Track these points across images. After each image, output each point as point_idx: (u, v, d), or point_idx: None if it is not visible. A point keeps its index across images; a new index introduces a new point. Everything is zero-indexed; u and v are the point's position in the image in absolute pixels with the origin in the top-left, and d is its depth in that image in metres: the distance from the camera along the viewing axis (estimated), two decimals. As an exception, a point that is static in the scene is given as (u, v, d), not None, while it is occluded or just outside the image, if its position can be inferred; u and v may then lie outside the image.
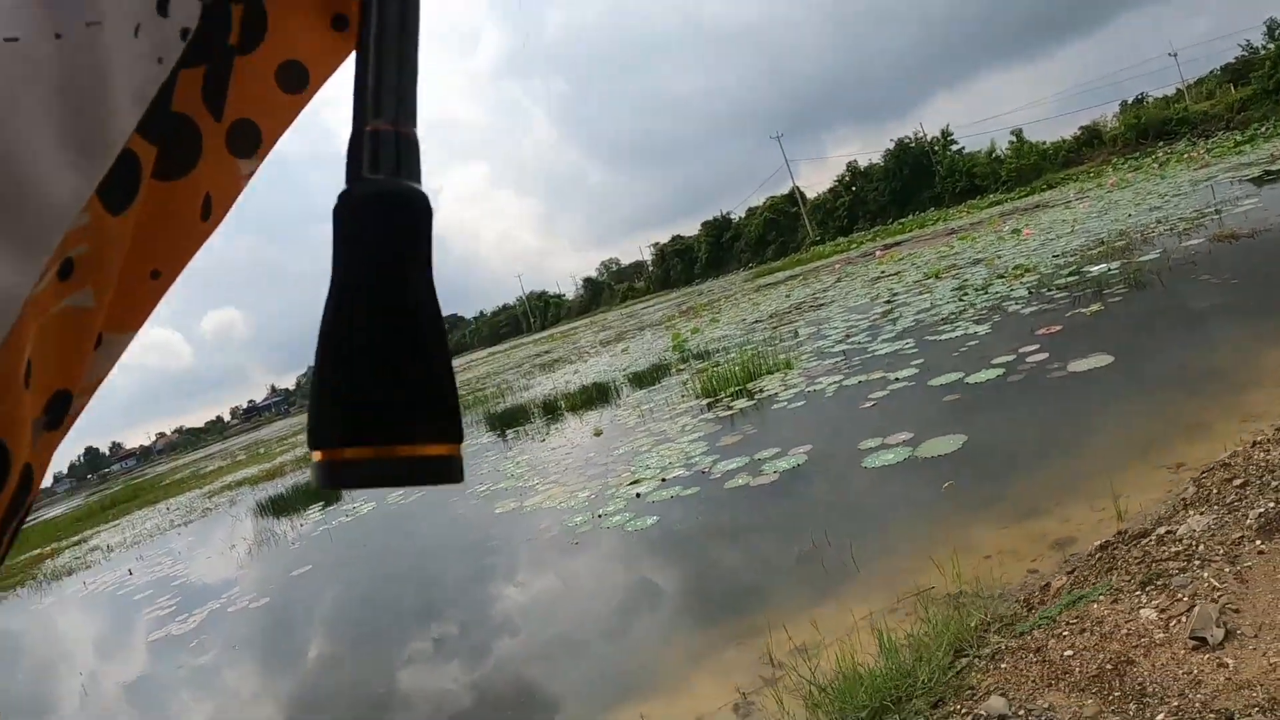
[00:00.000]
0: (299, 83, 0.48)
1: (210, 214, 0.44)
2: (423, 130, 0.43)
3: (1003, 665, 2.87)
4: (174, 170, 0.41)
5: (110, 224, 0.35)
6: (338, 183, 0.41)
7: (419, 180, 0.42)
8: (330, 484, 0.38)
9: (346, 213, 0.40)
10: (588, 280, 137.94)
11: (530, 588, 6.36)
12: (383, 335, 0.38)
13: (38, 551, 26.16)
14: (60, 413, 0.37)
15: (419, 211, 0.41)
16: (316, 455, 0.38)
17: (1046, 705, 2.57)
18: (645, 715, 3.75)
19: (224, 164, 0.44)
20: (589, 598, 5.64)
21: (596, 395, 15.23)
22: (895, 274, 20.47)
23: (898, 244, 37.32)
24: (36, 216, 0.31)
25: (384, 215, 0.40)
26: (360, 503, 12.42)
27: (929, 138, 69.51)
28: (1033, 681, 2.71)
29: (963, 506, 4.82)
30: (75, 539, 26.30)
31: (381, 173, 0.40)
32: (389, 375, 0.38)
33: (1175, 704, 2.38)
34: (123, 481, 76.83)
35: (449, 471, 0.40)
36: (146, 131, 0.37)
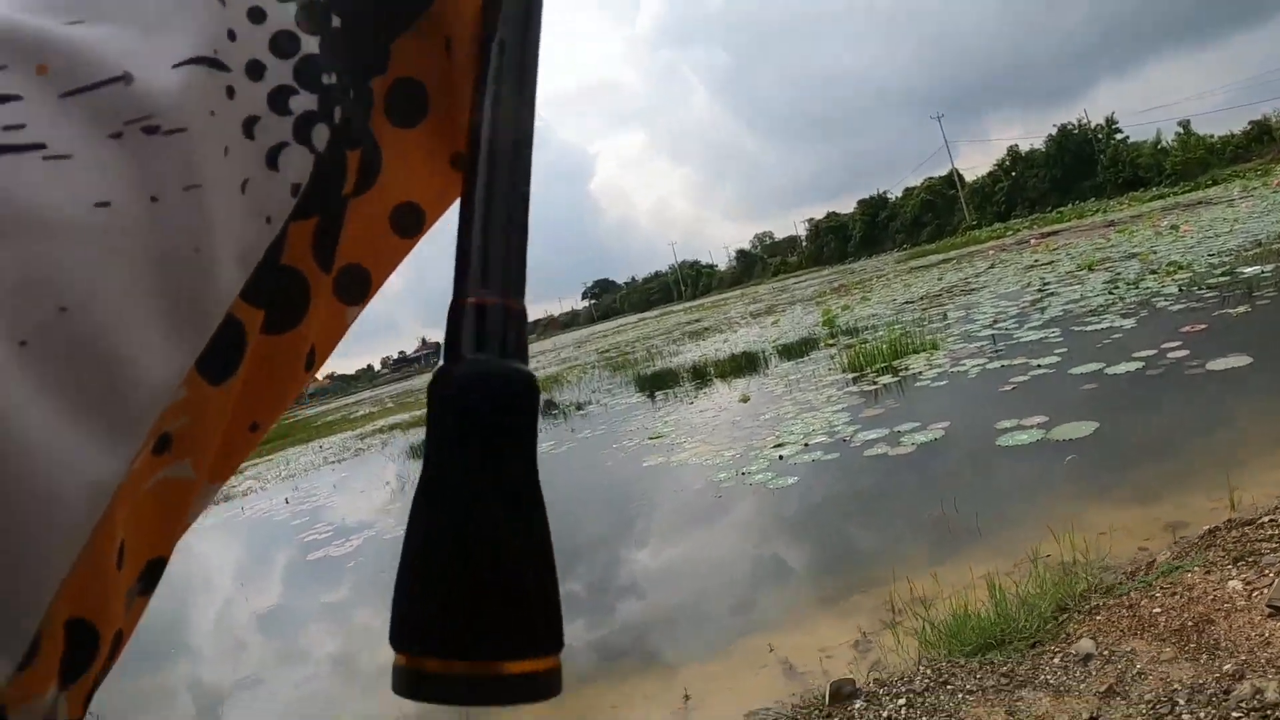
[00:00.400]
0: (414, 225, 0.46)
1: (313, 363, 0.42)
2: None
3: (1097, 617, 3.32)
4: (280, 326, 0.38)
5: (211, 395, 0.33)
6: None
7: (526, 360, 0.39)
8: (410, 694, 0.34)
9: (444, 395, 0.36)
10: (740, 252, 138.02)
11: (674, 532, 7.08)
12: (476, 540, 0.35)
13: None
14: (154, 578, 0.34)
15: (526, 398, 0.38)
16: (399, 658, 0.35)
17: (1130, 649, 3.02)
18: (774, 645, 4.29)
19: (332, 313, 0.42)
20: (729, 543, 6.27)
21: (745, 364, 15.76)
22: (1049, 263, 20.17)
23: (1054, 233, 36.20)
24: (130, 399, 0.29)
25: (488, 402, 0.37)
26: (508, 452, 13.15)
27: (1093, 125, 66.67)
28: (1121, 630, 3.16)
29: (1086, 487, 5.18)
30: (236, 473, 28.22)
31: (486, 353, 0.37)
32: (482, 585, 0.35)
33: (1243, 658, 2.80)
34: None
35: (546, 687, 0.36)
36: (252, 295, 0.35)
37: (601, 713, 4.24)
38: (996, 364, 9.13)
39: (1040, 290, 15.05)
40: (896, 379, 10.04)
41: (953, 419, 7.43)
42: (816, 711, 3.38)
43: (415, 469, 14.12)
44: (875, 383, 10.17)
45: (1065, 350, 8.80)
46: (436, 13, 0.41)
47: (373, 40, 0.40)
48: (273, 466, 24.51)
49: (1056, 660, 3.16)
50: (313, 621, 7.62)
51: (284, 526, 12.67)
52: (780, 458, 7.76)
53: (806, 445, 7.93)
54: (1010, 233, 51.41)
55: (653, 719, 3.96)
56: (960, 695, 3.15)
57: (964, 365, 9.61)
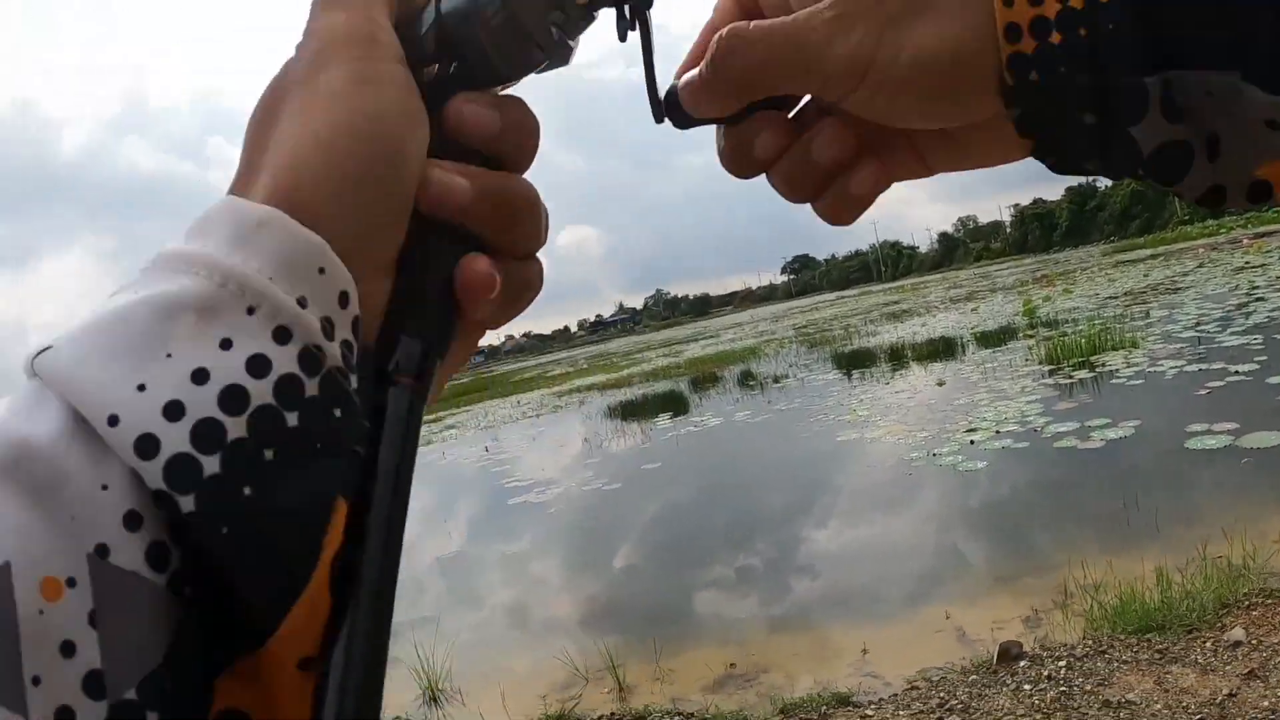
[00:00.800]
0: None
1: None
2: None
3: (1254, 613, 3.66)
4: None
5: None
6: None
7: None
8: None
9: None
10: (942, 235, 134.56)
11: (864, 503, 7.63)
12: None
13: None
14: None
15: None
16: None
17: (1277, 642, 3.36)
18: (949, 614, 4.77)
19: None
20: (915, 519, 6.79)
21: (942, 349, 15.93)
22: (1260, 266, 19.05)
23: (1269, 234, 33.70)
24: None
25: None
26: (708, 416, 14.08)
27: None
28: (1273, 625, 3.50)
29: (1266, 495, 5.33)
30: (429, 418, 30.05)
31: None
32: None
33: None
34: (470, 374, 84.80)
35: None
36: None
37: (787, 658, 4.82)
38: (1194, 367, 9.03)
39: (1248, 294, 14.41)
40: (1092, 374, 10.03)
41: (1144, 418, 7.52)
42: (984, 669, 3.86)
43: (611, 429, 15.41)
44: (1071, 376, 10.20)
45: (1265, 358, 8.64)
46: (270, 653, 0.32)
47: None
48: (471, 417, 26.07)
49: (1209, 645, 3.55)
50: (515, 560, 8.48)
51: (484, 473, 13.78)
52: (971, 442, 8.07)
53: (998, 432, 8.20)
54: (1223, 231, 47.96)
55: (832, 666, 4.50)
56: (1116, 664, 3.59)
57: (1161, 366, 9.52)
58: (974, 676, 3.89)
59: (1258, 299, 13.57)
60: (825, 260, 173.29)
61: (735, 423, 12.96)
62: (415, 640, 5.63)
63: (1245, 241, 30.72)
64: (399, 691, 5.28)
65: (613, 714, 4.48)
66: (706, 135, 0.47)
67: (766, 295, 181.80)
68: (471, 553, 9.23)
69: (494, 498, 11.61)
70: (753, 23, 0.41)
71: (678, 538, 7.97)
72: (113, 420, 0.30)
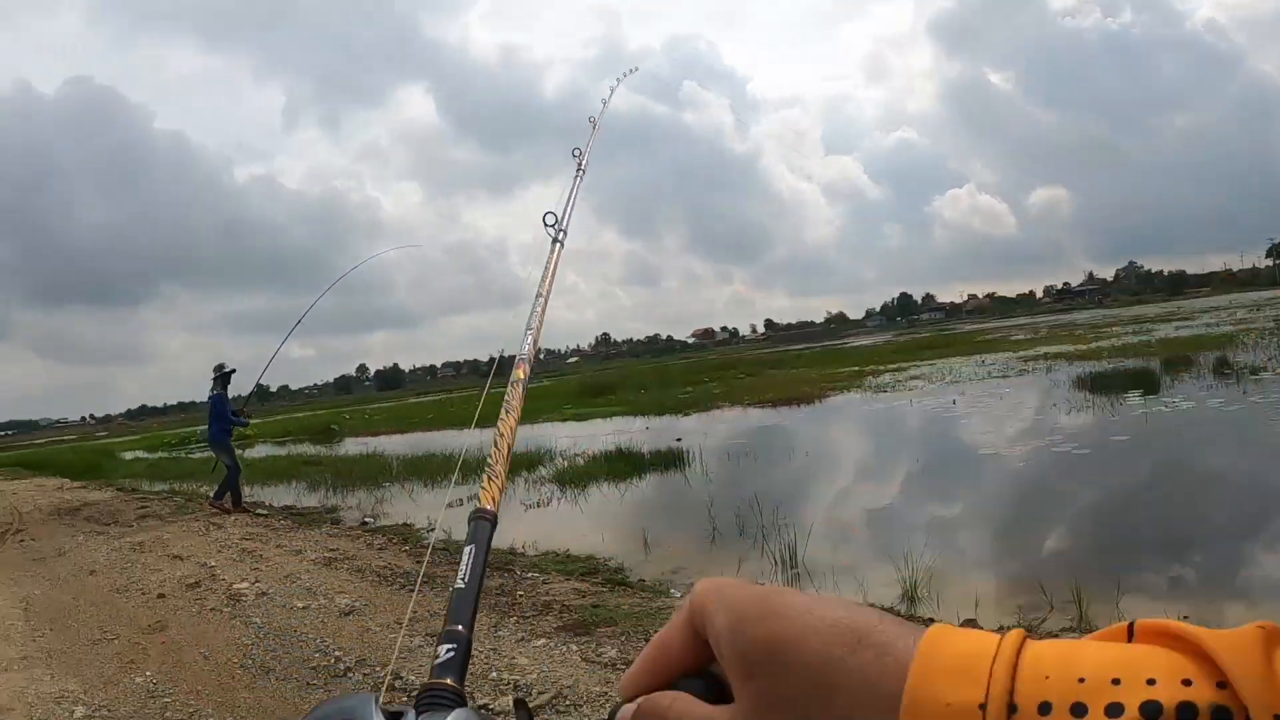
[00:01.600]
0: None
1: None
2: None
3: None
4: None
5: None
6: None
7: None
8: None
9: None
10: None
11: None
12: None
13: (857, 369, 32.60)
14: None
15: None
16: None
17: None
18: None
19: None
20: None
21: None
22: None
23: None
24: None
25: None
26: (1179, 399, 14.50)
27: None
28: None
29: None
30: (893, 366, 31.93)
31: None
32: None
33: None
34: (928, 330, 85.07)
35: None
36: None
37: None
38: None
39: None
40: None
41: None
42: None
43: (1079, 398, 16.27)
44: None
45: None
46: None
47: None
48: (935, 370, 27.67)
49: None
50: (986, 499, 9.72)
51: (952, 423, 15.51)
52: None
53: None
54: None
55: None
56: None
57: None
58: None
59: None
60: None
61: (1208, 409, 13.09)
62: (904, 550, 6.97)
63: None
64: (883, 588, 6.48)
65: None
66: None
67: (1248, 280, 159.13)
68: (949, 489, 10.48)
69: (963, 446, 13.16)
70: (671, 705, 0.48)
71: (1145, 504, 8.47)
72: None
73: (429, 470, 16.33)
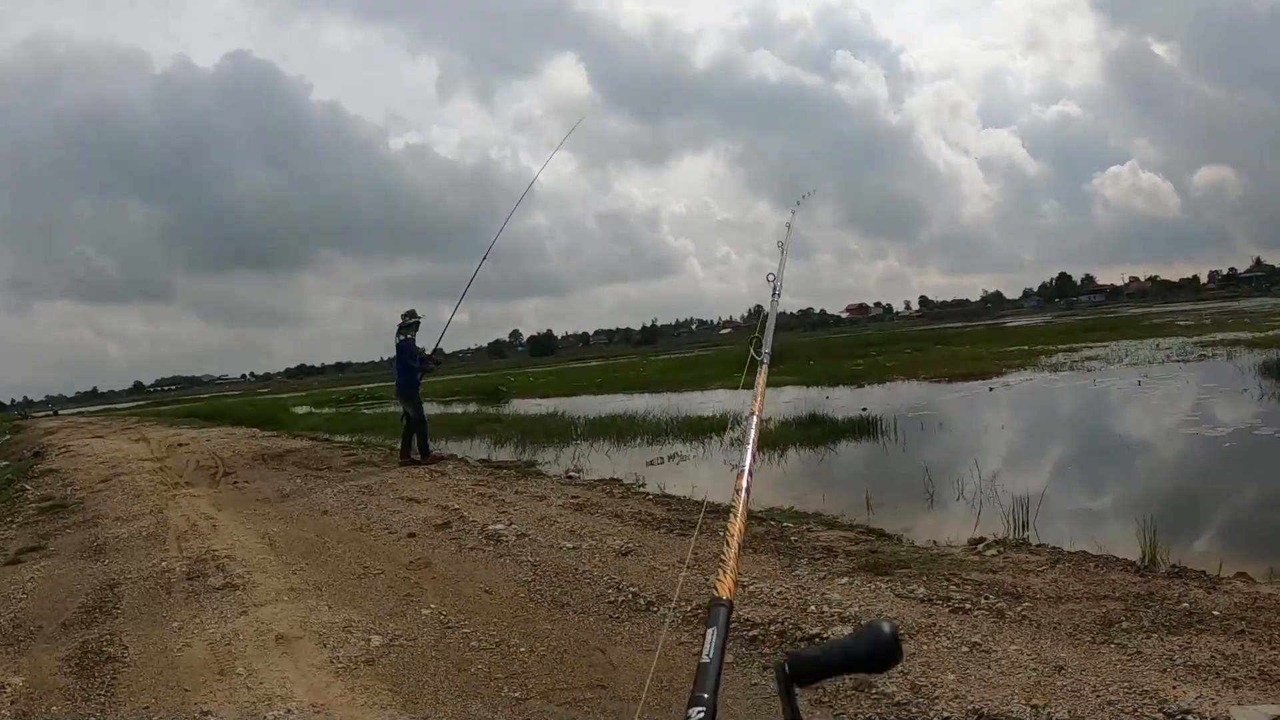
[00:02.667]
0: None
1: None
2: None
3: None
4: None
5: None
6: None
7: None
8: None
9: None
10: None
11: None
12: None
13: (1025, 348, 31.75)
14: None
15: None
16: None
17: None
18: None
19: None
20: None
21: None
22: None
23: None
24: None
25: None
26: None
27: None
28: None
29: None
30: (1063, 347, 30.97)
31: None
32: None
33: None
34: (1088, 312, 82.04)
35: None
36: None
37: None
38: None
39: None
40: None
41: None
42: None
43: (1271, 384, 15.59)
44: None
45: None
46: None
47: None
48: (1109, 353, 26.75)
49: None
50: (1203, 472, 9.79)
51: (1141, 402, 15.30)
52: None
53: None
54: None
55: None
56: None
57: None
58: None
59: None
60: None
61: None
62: (1136, 514, 7.00)
63: None
64: (1121, 548, 6.37)
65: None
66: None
67: None
68: (1163, 466, 10.54)
69: (1162, 424, 12.96)
70: None
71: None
72: None
73: (615, 431, 16.72)
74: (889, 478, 10.76)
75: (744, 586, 5.66)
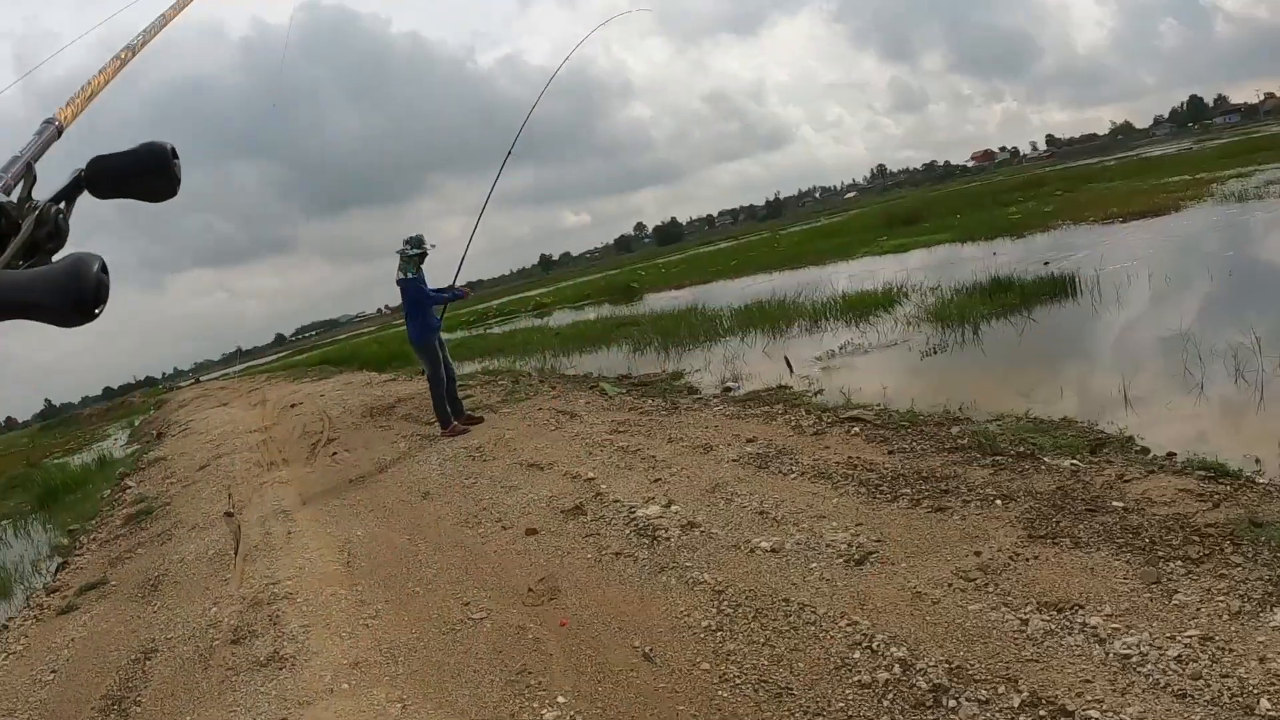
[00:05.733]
0: None
1: None
2: None
3: None
4: None
5: None
6: None
7: None
8: None
9: None
10: None
11: None
12: None
13: (1188, 177, 27.78)
14: None
15: None
16: None
17: None
18: None
19: None
20: None
21: None
22: None
23: None
24: None
25: None
26: None
27: None
28: None
29: None
30: (1230, 173, 26.75)
31: None
32: None
33: None
34: (1228, 135, 74.72)
35: None
36: None
37: None
38: None
39: None
40: None
41: None
42: None
43: None
44: None
45: None
46: None
47: None
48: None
49: None
50: None
51: None
52: None
53: None
54: None
55: None
56: None
57: None
58: None
59: None
60: None
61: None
62: None
63: None
64: None
65: None
66: None
67: None
68: None
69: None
70: None
71: None
72: None
73: (766, 319, 14.54)
74: (1127, 354, 8.42)
75: (1100, 642, 3.07)
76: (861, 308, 13.31)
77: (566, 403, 9.78)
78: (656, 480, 5.96)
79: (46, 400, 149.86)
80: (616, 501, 5.70)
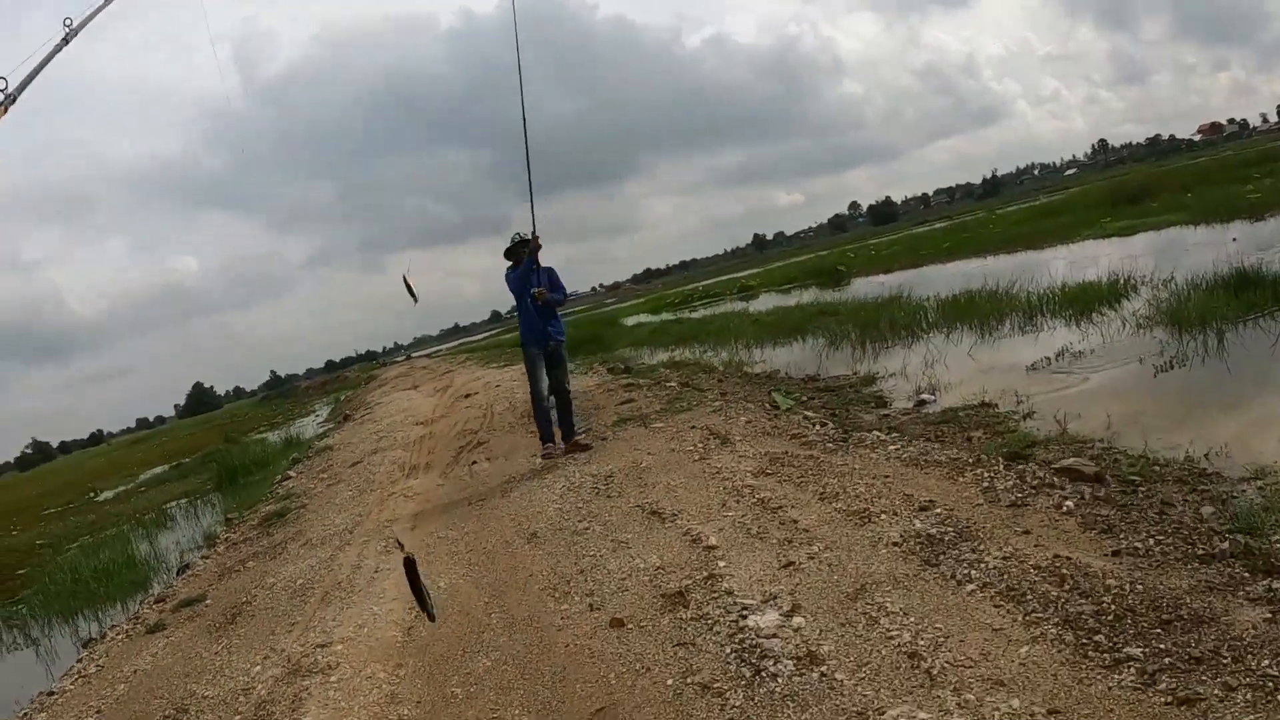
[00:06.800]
0: None
1: None
2: None
3: None
4: None
5: None
6: None
7: None
8: None
9: None
10: None
11: None
12: None
13: None
14: None
15: None
16: None
17: None
18: None
19: None
20: None
21: None
22: None
23: None
24: None
25: None
26: None
27: None
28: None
29: None
30: None
31: None
32: None
33: None
34: None
35: None
36: None
37: None
38: None
39: None
40: None
41: None
42: None
43: None
44: None
45: None
46: None
47: None
48: None
49: None
50: None
51: None
52: None
53: None
54: None
55: None
56: None
57: None
58: None
59: None
60: None
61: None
62: None
63: None
64: None
65: None
66: None
67: None
68: None
69: None
70: None
71: None
72: None
73: (974, 313, 12.50)
74: None
75: None
76: (1083, 302, 11.23)
77: (726, 419, 8.23)
78: (788, 565, 4.36)
79: (272, 371, 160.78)
80: (729, 594, 4.17)
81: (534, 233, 8.46)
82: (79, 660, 7.35)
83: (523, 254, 8.36)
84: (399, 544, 4.13)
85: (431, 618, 3.17)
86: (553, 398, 8.55)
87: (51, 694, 6.52)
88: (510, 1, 8.87)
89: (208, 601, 7.43)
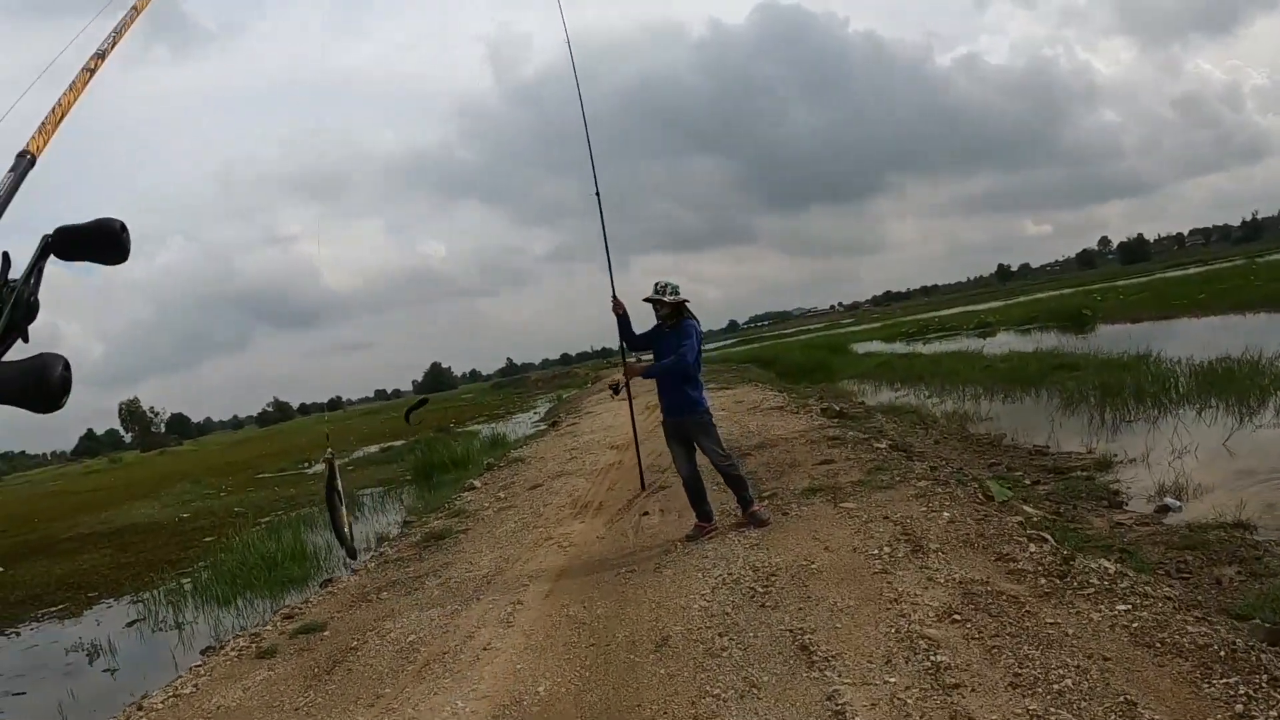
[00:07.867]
0: None
1: None
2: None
3: None
4: None
5: None
6: None
7: None
8: None
9: None
10: None
11: None
12: None
13: None
14: None
15: None
16: None
17: None
18: None
19: None
20: None
21: None
22: None
23: None
24: None
25: None
26: None
27: None
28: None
29: None
30: None
31: None
32: None
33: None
34: None
35: None
36: None
37: None
38: None
39: None
40: None
41: None
42: None
43: None
44: None
45: None
46: None
47: None
48: None
49: None
50: None
51: None
52: None
53: None
54: None
55: None
56: None
57: None
58: None
59: None
60: None
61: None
62: None
63: None
64: None
65: None
66: None
67: None
68: None
69: None
70: None
71: None
72: None
73: (1232, 387, 10.83)
74: None
75: None
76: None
77: (928, 510, 6.77)
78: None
79: (508, 359, 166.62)
80: None
81: (613, 294, 7.58)
82: (181, 674, 7.11)
83: (666, 306, 7.21)
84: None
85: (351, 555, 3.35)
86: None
87: (140, 708, 6.24)
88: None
89: (325, 633, 6.95)
